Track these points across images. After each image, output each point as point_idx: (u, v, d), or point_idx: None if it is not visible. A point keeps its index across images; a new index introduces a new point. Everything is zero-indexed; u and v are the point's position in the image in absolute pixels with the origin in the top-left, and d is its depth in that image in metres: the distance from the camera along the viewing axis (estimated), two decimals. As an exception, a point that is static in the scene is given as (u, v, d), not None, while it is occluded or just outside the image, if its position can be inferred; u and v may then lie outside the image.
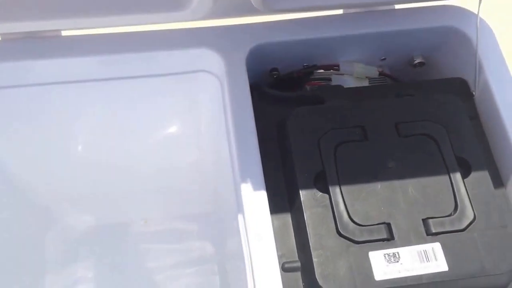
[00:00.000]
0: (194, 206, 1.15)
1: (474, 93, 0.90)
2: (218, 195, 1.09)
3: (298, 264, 0.74)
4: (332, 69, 0.96)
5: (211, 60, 0.89)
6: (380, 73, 0.98)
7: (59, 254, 1.10)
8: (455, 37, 0.94)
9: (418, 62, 0.99)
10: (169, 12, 0.86)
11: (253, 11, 0.87)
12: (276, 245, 0.73)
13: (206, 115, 0.97)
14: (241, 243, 0.75)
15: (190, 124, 1.00)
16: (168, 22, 0.89)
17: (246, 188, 0.76)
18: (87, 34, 0.89)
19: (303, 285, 0.73)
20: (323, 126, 0.81)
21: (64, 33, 0.89)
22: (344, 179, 0.76)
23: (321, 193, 0.75)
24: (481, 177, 0.77)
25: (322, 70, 0.96)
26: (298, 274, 0.74)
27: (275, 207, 0.77)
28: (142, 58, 0.89)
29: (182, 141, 1.02)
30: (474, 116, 0.87)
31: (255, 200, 0.76)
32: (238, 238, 0.78)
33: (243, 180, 0.77)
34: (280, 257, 0.73)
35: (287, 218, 0.78)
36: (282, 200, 0.79)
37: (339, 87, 0.91)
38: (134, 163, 1.05)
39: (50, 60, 0.87)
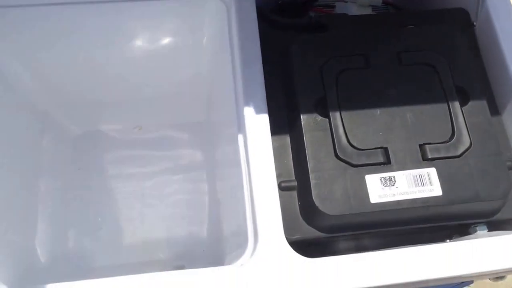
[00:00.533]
0: (186, 116, 1.17)
1: (475, 23, 0.90)
2: (211, 108, 1.11)
3: (295, 183, 0.76)
4: (337, -3, 0.96)
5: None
6: (383, 1, 0.98)
7: (54, 158, 1.12)
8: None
9: (420, -9, 0.99)
10: None
11: None
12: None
13: (209, 35, 0.97)
14: (239, 161, 0.76)
15: (191, 42, 1.00)
16: None
17: (249, 109, 0.78)
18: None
19: (299, 205, 0.75)
20: (326, 53, 0.81)
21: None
22: (344, 105, 0.77)
23: (321, 117, 0.76)
24: (478, 106, 0.78)
25: (326, -3, 0.96)
26: (294, 193, 0.76)
27: (275, 128, 0.78)
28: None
29: (181, 55, 1.03)
30: (474, 46, 0.88)
31: (257, 120, 0.77)
32: (228, 148, 0.80)
33: (246, 100, 0.78)
34: (277, 176, 0.75)
35: (286, 139, 0.79)
36: (282, 122, 0.80)
37: (343, 15, 0.91)
38: (131, 73, 1.07)
39: None
